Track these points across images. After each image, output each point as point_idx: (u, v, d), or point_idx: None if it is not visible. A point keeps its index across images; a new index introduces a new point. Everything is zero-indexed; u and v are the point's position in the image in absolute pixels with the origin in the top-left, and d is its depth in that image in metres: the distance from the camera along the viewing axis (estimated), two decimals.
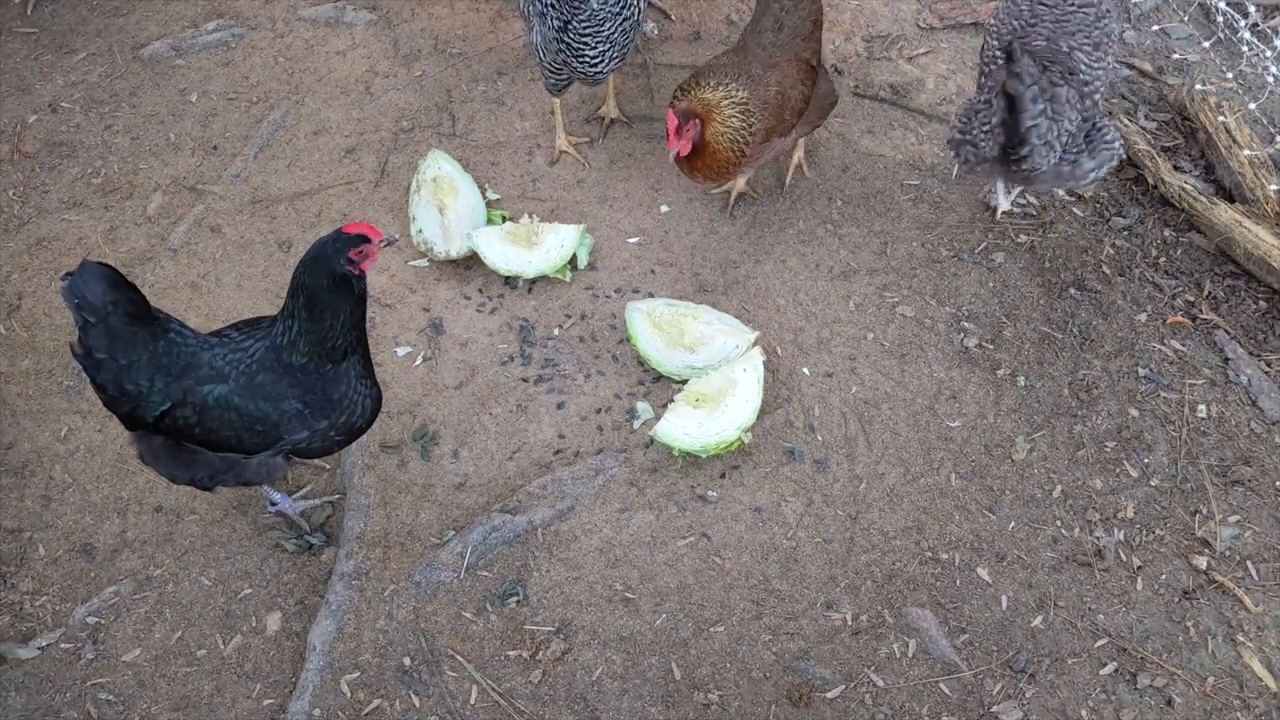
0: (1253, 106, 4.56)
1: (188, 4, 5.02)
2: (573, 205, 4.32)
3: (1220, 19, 4.91)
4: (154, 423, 2.96)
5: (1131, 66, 4.87)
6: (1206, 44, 4.86)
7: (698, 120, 3.71)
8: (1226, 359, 3.91)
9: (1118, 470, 3.65)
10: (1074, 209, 4.35)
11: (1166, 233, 4.30)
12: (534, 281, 4.06)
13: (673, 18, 5.00)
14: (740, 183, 4.26)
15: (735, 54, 3.94)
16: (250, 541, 3.42)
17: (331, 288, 2.87)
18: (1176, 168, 4.46)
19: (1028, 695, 3.20)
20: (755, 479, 3.60)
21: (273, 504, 3.35)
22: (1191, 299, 4.10)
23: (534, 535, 3.45)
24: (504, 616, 3.30)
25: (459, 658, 3.22)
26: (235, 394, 2.94)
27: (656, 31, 4.95)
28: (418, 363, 3.84)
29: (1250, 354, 3.92)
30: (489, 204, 4.25)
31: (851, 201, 4.35)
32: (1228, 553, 3.47)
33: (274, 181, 4.37)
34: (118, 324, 2.85)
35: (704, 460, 3.60)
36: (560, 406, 3.75)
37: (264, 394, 2.96)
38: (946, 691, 3.21)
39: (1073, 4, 3.77)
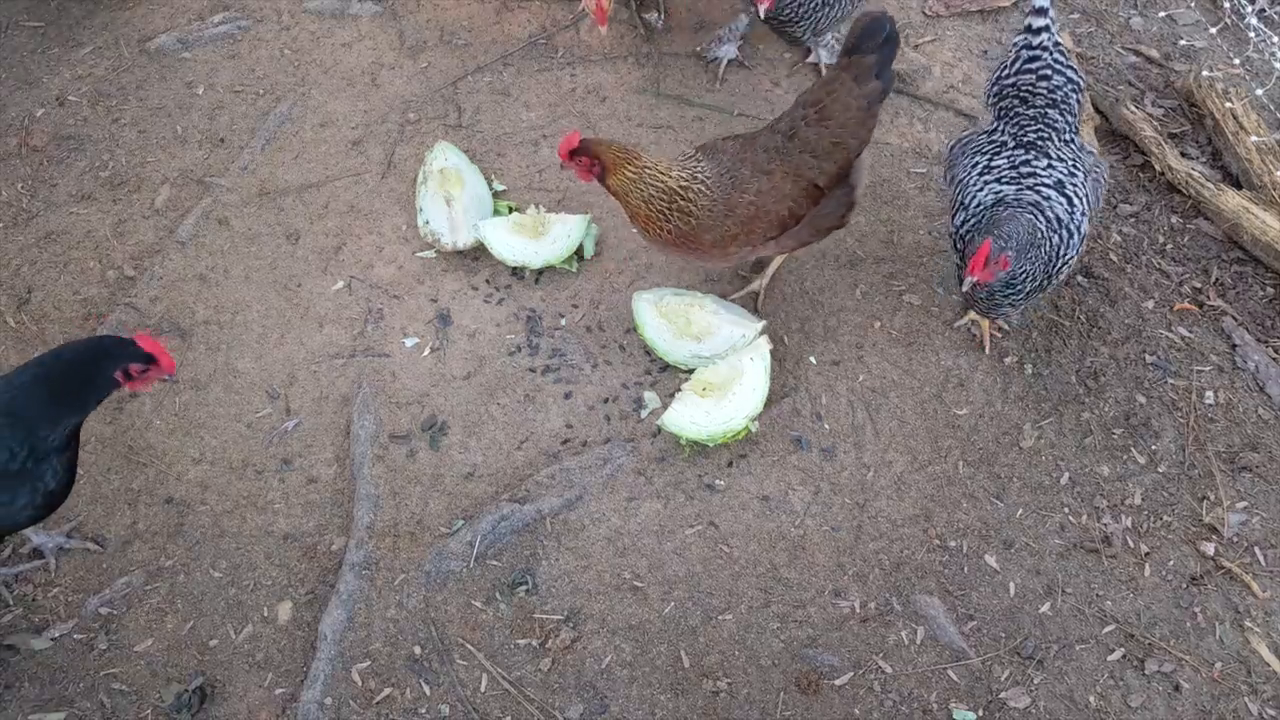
0: (1259, 92, 4.55)
1: None
2: (579, 195, 4.32)
3: (1227, 5, 4.90)
4: None
5: (1138, 53, 4.86)
6: (1213, 30, 4.85)
7: (596, 163, 3.42)
8: (1234, 345, 3.91)
9: (1125, 457, 3.66)
10: None
11: (1173, 219, 4.29)
12: (541, 272, 4.07)
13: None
14: (757, 284, 3.98)
15: (743, 143, 3.55)
16: (260, 532, 3.44)
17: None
18: (1183, 154, 4.45)
19: (1036, 681, 3.21)
20: (762, 468, 3.61)
21: None
22: (1199, 285, 4.09)
23: (542, 524, 3.46)
24: (513, 605, 3.32)
25: (469, 646, 3.24)
26: None
27: (661, 22, 4.94)
28: (426, 353, 3.85)
29: (1258, 340, 3.92)
30: (495, 195, 4.25)
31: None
32: (1235, 539, 3.48)
33: (281, 174, 4.38)
34: None
35: (711, 449, 3.61)
36: (568, 396, 3.76)
37: None
38: (955, 678, 3.22)
39: None
